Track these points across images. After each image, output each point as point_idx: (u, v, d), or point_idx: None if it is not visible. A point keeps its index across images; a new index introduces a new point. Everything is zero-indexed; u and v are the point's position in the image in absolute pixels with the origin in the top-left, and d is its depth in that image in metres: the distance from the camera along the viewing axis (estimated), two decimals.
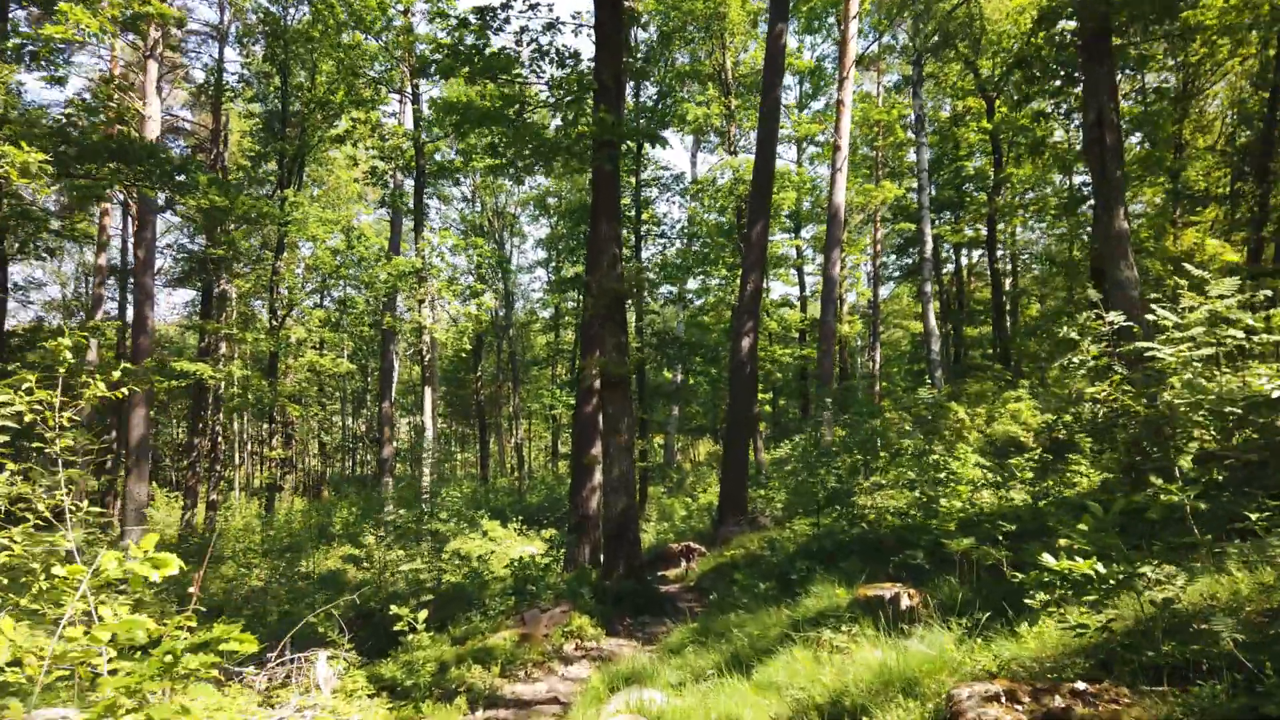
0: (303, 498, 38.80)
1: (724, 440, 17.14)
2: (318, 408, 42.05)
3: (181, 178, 16.84)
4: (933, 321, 25.45)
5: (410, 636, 9.21)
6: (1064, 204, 25.18)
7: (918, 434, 16.07)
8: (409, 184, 25.19)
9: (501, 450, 45.47)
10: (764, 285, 18.36)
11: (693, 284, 30.43)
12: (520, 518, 24.57)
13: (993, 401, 19.94)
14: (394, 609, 9.13)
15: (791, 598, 9.20)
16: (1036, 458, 11.61)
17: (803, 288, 34.60)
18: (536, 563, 13.32)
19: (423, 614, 9.24)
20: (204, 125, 33.74)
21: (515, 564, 13.43)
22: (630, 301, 14.87)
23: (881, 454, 12.50)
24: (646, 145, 27.91)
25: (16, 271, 52.65)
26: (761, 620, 8.57)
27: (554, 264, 40.29)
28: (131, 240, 28.90)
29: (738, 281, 25.90)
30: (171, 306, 52.27)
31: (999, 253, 38.40)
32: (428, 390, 25.31)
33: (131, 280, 27.04)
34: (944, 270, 37.14)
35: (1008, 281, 39.79)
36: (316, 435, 44.69)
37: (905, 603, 7.08)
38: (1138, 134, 24.32)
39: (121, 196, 26.76)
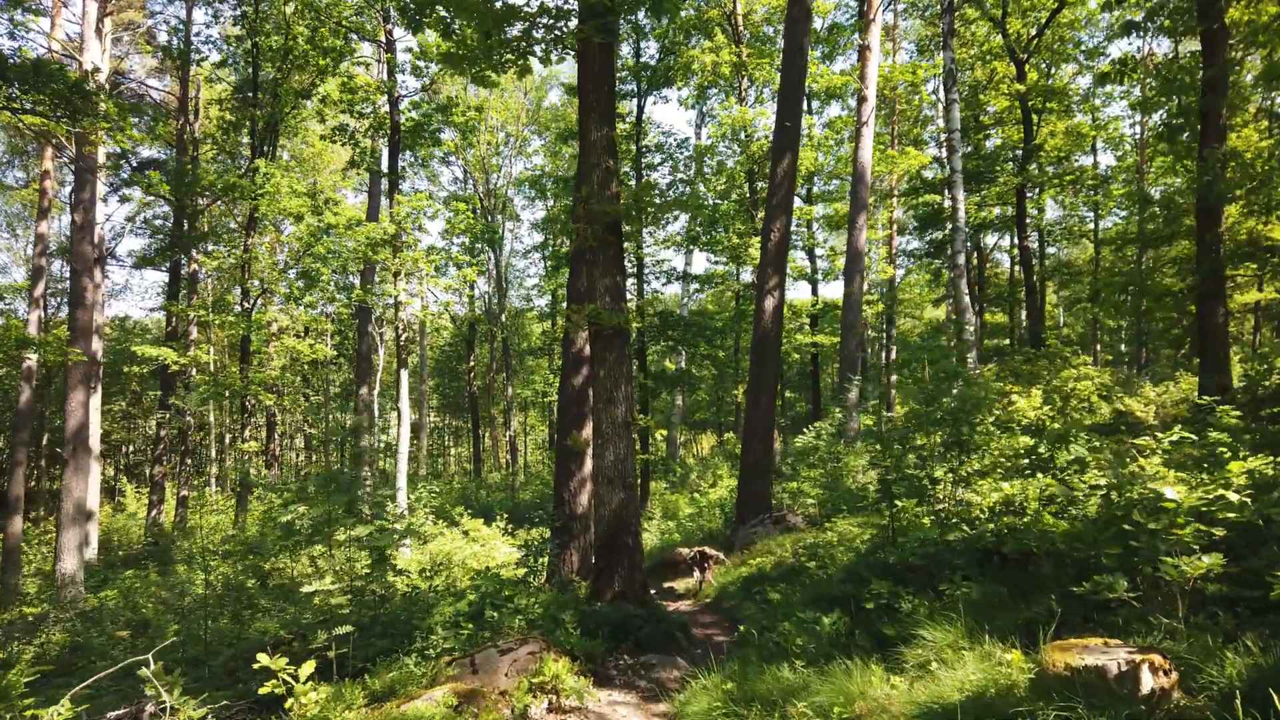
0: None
1: (744, 423, 13.66)
2: (301, 399, 38.53)
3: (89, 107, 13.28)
4: (966, 297, 21.92)
5: (290, 701, 5.74)
6: (1162, 132, 21.33)
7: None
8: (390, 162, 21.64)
9: (495, 444, 41.99)
10: (790, 233, 14.84)
11: (699, 262, 26.94)
12: (507, 515, 21.11)
13: (1048, 381, 16.42)
14: (262, 659, 5.65)
15: (881, 643, 5.71)
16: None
17: (814, 269, 31.01)
18: (506, 576, 9.81)
19: (308, 666, 5.76)
20: (172, 94, 30.24)
21: (480, 578, 9.93)
22: (630, 232, 11.32)
23: (979, 429, 8.95)
24: (648, 107, 24.46)
25: None
26: (839, 684, 5.07)
27: (550, 247, 36.82)
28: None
29: (752, 250, 22.43)
30: (145, 291, 48.74)
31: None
32: (403, 374, 21.81)
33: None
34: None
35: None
36: (301, 429, 41.15)
37: (1149, 682, 3.58)
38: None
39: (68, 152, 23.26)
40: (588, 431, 11.59)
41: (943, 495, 8.52)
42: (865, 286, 21.20)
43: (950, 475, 8.51)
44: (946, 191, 26.41)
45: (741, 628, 7.90)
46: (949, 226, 23.49)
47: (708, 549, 11.26)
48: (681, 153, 25.31)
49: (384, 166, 21.97)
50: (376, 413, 33.91)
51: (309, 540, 7.77)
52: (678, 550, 12.24)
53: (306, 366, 37.06)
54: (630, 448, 9.03)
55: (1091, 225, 33.30)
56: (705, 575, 11.22)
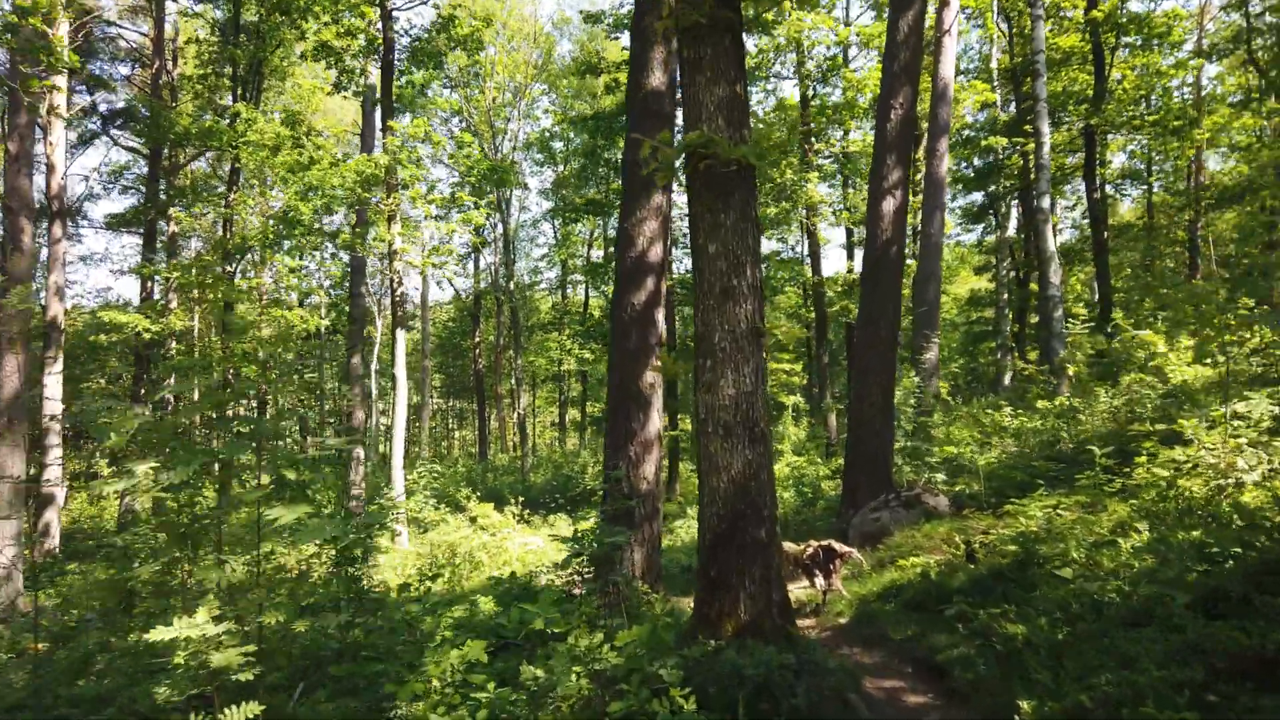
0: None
1: (852, 369, 9.70)
2: (295, 377, 34.47)
3: None
4: (1052, 244, 17.99)
5: None
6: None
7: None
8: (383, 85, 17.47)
9: (503, 426, 38.00)
10: (917, 111, 10.78)
11: None
12: (521, 499, 17.24)
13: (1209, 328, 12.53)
14: None
15: None
16: None
17: (850, 238, 26.84)
18: (548, 592, 5.85)
19: None
20: (148, 38, 26.33)
21: (505, 588, 6.01)
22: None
23: None
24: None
25: None
26: None
27: (560, 216, 32.80)
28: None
29: (809, 188, 18.46)
30: (125, 260, 44.06)
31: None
32: (400, 335, 17.90)
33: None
34: (1008, 213, 29.68)
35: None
36: (296, 410, 37.07)
37: None
38: None
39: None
40: (652, 374, 7.66)
41: None
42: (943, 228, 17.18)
43: None
44: (1006, 136, 22.47)
45: (1024, 704, 3.93)
46: (1035, 164, 19.50)
47: (834, 543, 7.32)
48: None
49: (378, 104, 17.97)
50: (375, 390, 29.85)
51: (199, 532, 3.96)
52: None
53: (300, 342, 33.07)
54: (761, 374, 5.09)
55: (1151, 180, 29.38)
56: (832, 581, 7.28)
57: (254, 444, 4.25)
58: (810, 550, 7.32)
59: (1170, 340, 12.55)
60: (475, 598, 7.14)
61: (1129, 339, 12.78)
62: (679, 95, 7.76)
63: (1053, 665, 4.25)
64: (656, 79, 7.89)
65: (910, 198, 17.35)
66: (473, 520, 15.94)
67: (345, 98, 18.91)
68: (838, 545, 7.30)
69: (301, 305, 34.39)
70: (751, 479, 5.00)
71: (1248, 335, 11.73)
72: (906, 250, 15.50)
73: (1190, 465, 6.30)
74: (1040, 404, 12.66)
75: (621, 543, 6.24)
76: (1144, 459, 6.79)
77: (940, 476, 9.44)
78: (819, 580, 7.26)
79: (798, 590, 7.91)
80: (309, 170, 16.88)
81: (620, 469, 7.54)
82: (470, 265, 35.12)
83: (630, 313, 7.64)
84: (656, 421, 7.67)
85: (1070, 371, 13.36)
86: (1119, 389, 11.31)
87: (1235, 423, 6.16)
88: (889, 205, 9.32)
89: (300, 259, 27.51)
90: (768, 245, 31.22)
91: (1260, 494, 5.33)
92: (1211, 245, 31.30)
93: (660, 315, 7.78)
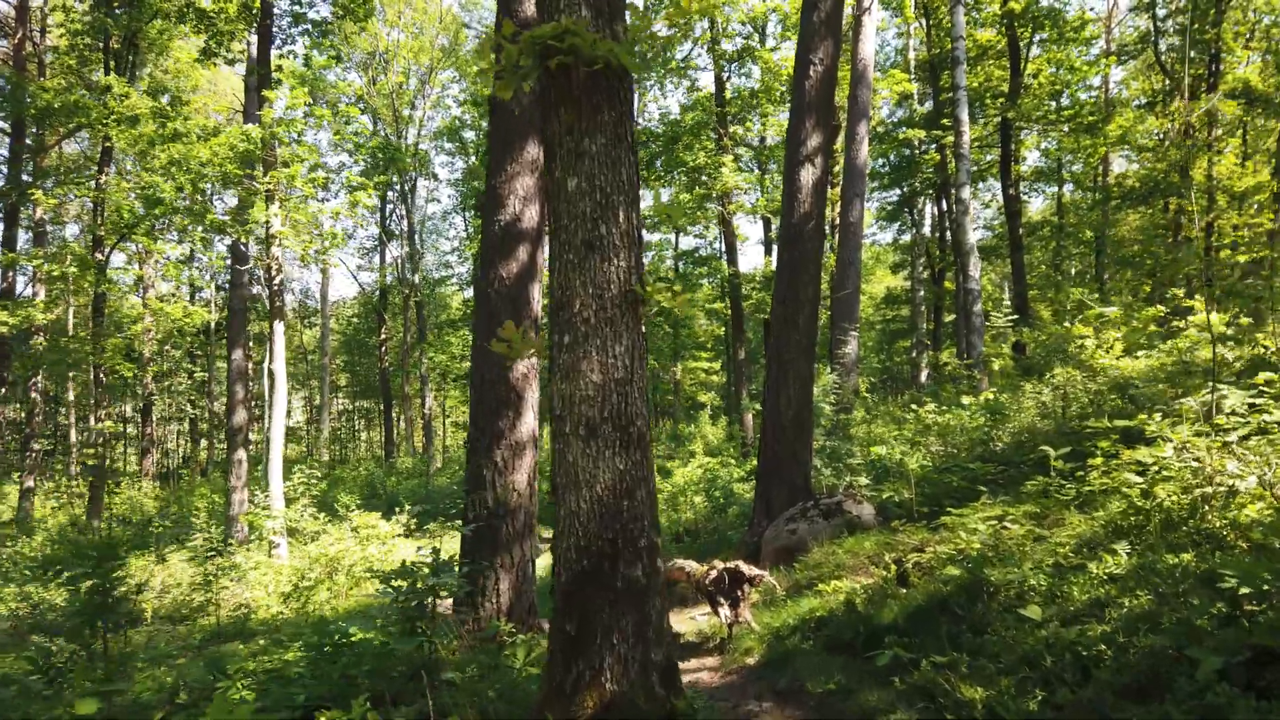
0: (157, 484, 28.69)
1: (771, 359, 8.41)
2: (184, 376, 31.83)
3: None
4: (971, 237, 17.22)
5: None
6: None
7: None
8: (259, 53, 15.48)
9: (410, 427, 35.91)
10: (837, 71, 9.52)
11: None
12: (409, 507, 15.59)
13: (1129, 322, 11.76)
14: None
15: None
16: None
17: (767, 226, 25.82)
18: (366, 640, 4.40)
19: None
20: (12, 5, 23.67)
21: (315, 639, 4.51)
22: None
23: None
24: None
25: None
26: None
27: (471, 207, 31.00)
28: None
29: (725, 171, 17.21)
30: None
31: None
32: (278, 327, 15.99)
33: None
34: (923, 211, 29.25)
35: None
36: (184, 411, 34.26)
37: None
38: None
39: None
40: (526, 364, 6.24)
41: None
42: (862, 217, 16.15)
43: None
44: (924, 129, 21.81)
45: None
46: (955, 154, 18.70)
47: (742, 565, 6.00)
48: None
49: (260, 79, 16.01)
50: (269, 388, 27.59)
51: None
52: (675, 565, 6.87)
53: (189, 339, 30.43)
54: (639, 350, 3.72)
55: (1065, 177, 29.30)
56: (740, 611, 5.96)
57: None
58: (714, 574, 5.99)
59: (1098, 334, 11.77)
60: (330, 628, 5.64)
61: (1060, 331, 11.96)
62: None
63: None
64: (533, 7, 6.49)
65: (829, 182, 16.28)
66: (355, 530, 14.28)
67: (215, 65, 16.87)
68: (746, 568, 5.98)
69: (192, 300, 31.74)
70: (624, 497, 3.61)
71: (1181, 325, 11.04)
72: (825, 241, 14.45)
73: (1158, 469, 5.21)
74: (966, 399, 11.73)
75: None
76: (1100, 460, 5.69)
77: (864, 480, 8.26)
78: (724, 610, 5.93)
79: (700, 619, 6.60)
80: (172, 144, 14.95)
81: (485, 477, 6.09)
82: (375, 259, 33.05)
83: (499, 288, 6.19)
84: (531, 420, 6.25)
85: (996, 366, 12.43)
86: (1046, 382, 10.43)
87: (1230, 417, 5.06)
88: (807, 175, 8.08)
89: (190, 249, 25.24)
90: (684, 241, 30.09)
91: (1264, 506, 4.21)
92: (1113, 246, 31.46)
93: (536, 292, 6.37)
